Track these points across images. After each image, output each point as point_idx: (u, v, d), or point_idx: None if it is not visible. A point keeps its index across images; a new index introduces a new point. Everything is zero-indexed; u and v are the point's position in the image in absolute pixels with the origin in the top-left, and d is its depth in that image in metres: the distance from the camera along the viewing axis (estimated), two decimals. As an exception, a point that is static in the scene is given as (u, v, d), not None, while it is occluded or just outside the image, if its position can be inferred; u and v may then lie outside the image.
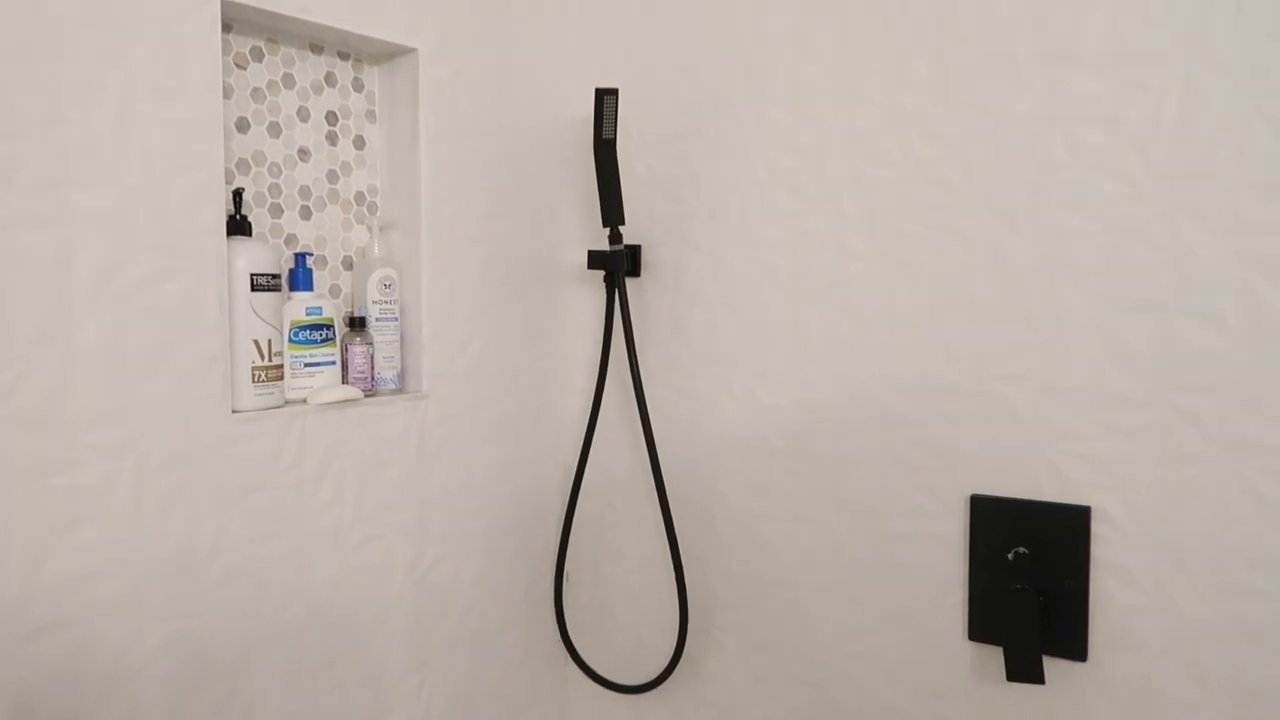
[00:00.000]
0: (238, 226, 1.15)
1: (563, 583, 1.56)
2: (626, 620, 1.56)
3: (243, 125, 1.21)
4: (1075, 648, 1.14)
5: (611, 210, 1.43)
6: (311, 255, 1.28)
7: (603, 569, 1.59)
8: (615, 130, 1.41)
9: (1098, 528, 1.14)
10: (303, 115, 1.28)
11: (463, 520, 1.42)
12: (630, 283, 1.52)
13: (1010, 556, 1.17)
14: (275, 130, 1.25)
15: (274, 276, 1.16)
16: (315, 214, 1.30)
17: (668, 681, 1.50)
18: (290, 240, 1.27)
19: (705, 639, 1.48)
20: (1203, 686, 1.09)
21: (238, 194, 1.17)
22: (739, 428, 1.43)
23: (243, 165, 1.21)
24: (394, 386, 1.34)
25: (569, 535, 1.54)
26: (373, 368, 1.31)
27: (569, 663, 1.63)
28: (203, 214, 1.07)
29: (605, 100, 1.39)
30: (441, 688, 1.40)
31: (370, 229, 1.35)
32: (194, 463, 1.07)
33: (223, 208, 1.09)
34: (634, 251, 1.51)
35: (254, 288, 1.14)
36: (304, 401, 1.22)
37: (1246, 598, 1.07)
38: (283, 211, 1.26)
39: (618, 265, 1.45)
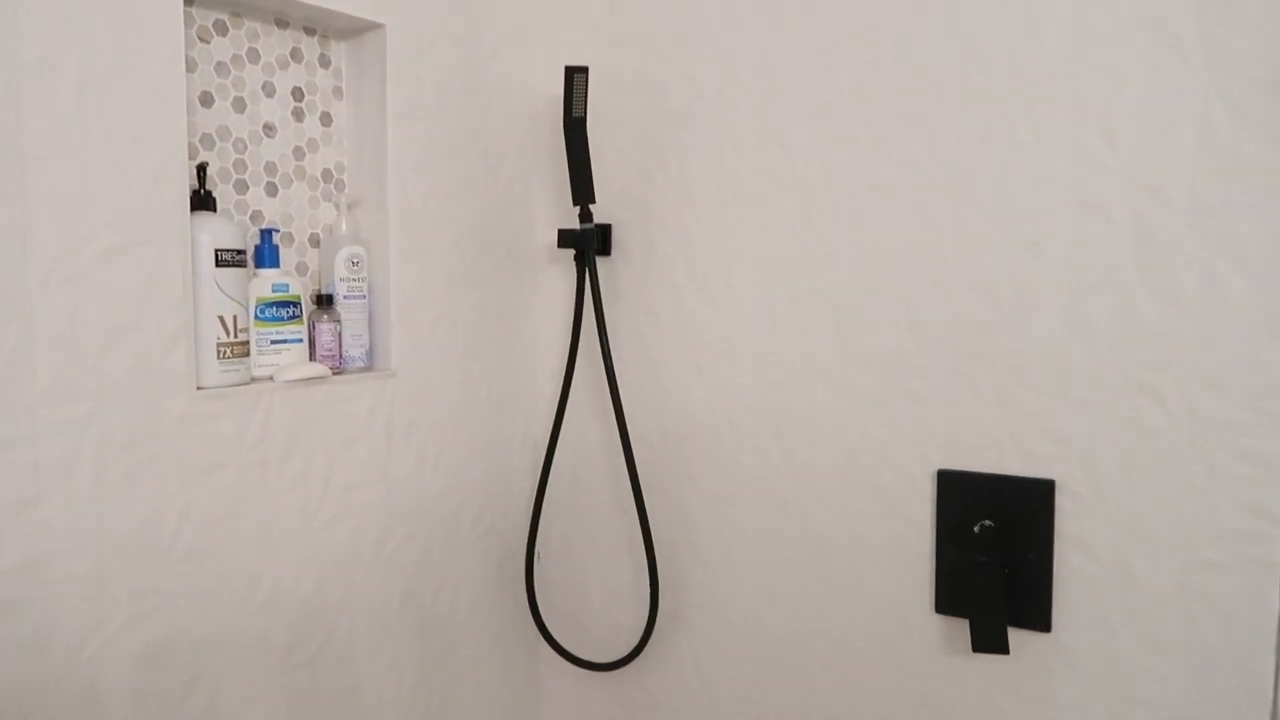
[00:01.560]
0: (202, 202, 1.14)
1: (534, 563, 1.56)
2: (598, 600, 1.57)
3: (206, 100, 1.19)
4: (1039, 619, 1.16)
5: (582, 189, 1.43)
6: (278, 232, 1.27)
7: (574, 549, 1.59)
8: (585, 108, 1.41)
9: (1061, 501, 1.16)
10: (268, 90, 1.26)
11: (432, 500, 1.42)
12: (601, 262, 1.52)
13: (976, 530, 1.19)
14: (240, 105, 1.23)
15: (239, 252, 1.15)
16: (281, 190, 1.28)
17: (638, 659, 1.51)
18: (256, 217, 1.26)
19: (675, 618, 1.48)
20: (1161, 656, 1.11)
21: (202, 169, 1.16)
22: (708, 408, 1.43)
23: (207, 140, 1.20)
24: (362, 365, 1.33)
25: (540, 516, 1.54)
26: (340, 346, 1.30)
27: (541, 641, 1.63)
28: (166, 189, 1.05)
29: (575, 78, 1.39)
30: (412, 666, 1.40)
31: (338, 206, 1.34)
32: (158, 440, 1.06)
33: (186, 183, 1.08)
34: (604, 231, 1.51)
35: (219, 263, 1.12)
36: (270, 379, 1.20)
37: (1203, 569, 1.09)
38: (248, 188, 1.25)
39: (588, 244, 1.44)
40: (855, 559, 1.31)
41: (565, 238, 1.47)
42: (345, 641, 1.29)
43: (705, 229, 1.42)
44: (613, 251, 1.51)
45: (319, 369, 1.24)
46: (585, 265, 1.46)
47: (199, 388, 1.11)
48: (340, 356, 1.30)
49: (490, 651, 1.53)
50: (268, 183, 1.27)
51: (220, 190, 1.21)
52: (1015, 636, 1.19)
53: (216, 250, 1.12)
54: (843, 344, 1.31)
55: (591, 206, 1.45)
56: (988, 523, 1.18)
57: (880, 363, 1.28)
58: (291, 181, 1.30)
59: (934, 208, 1.23)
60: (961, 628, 1.24)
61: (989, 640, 1.15)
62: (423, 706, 1.42)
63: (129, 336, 1.03)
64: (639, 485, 1.43)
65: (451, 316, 1.43)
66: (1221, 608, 1.08)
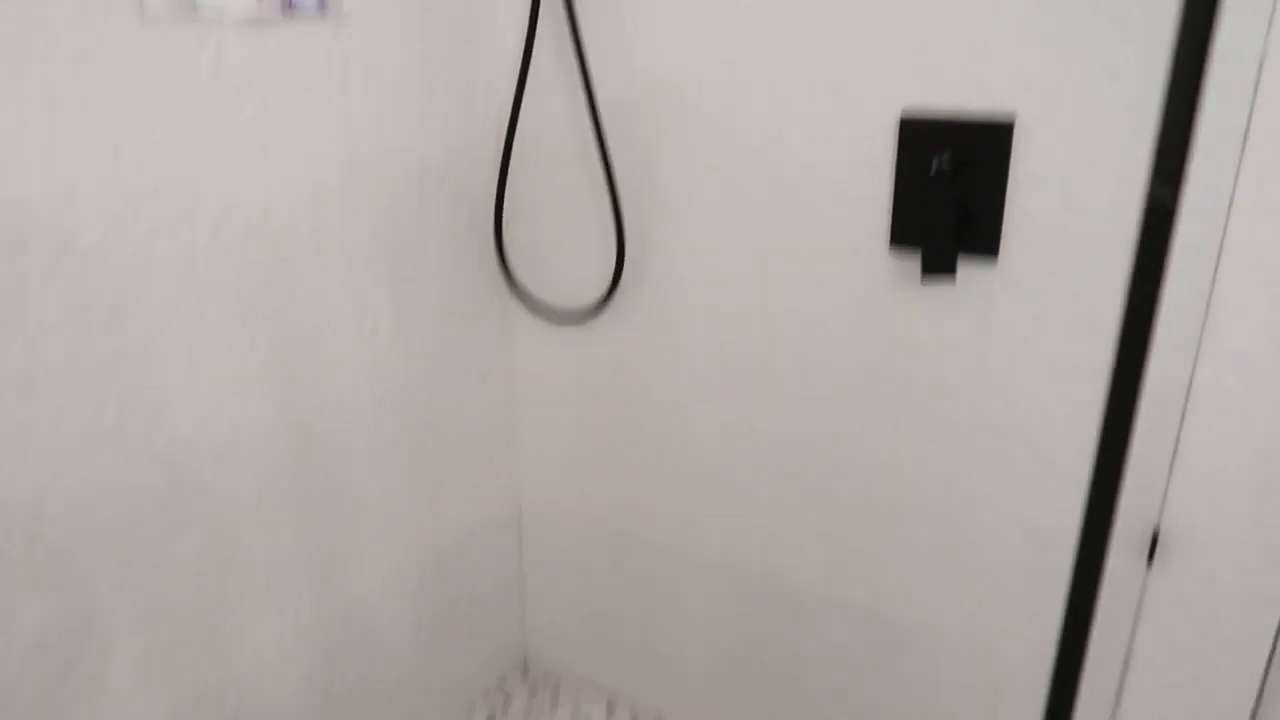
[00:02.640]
0: None
1: (502, 222, 1.58)
2: (565, 258, 1.61)
3: None
4: (987, 246, 1.21)
5: None
6: None
7: (541, 209, 1.61)
8: None
9: (1020, 136, 1.17)
10: None
11: (395, 155, 1.41)
12: (561, -98, 1.43)
13: (934, 164, 1.21)
14: None
15: None
16: None
17: (606, 310, 1.57)
18: None
19: (640, 273, 1.53)
20: (1101, 277, 1.17)
21: None
22: (675, 64, 1.40)
23: None
24: (314, 10, 1.27)
25: (507, 176, 1.54)
26: (288, -17, 1.24)
27: (511, 298, 1.69)
28: None
29: None
30: (387, 312, 1.45)
31: None
32: (107, 67, 1.03)
33: None
34: None
35: (146, -127, 1.04)
36: (219, 21, 1.16)
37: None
38: None
39: (546, -123, 1.35)
40: (816, 199, 1.34)
41: None
42: (320, 284, 1.33)
43: None
44: (574, -111, 1.42)
45: (268, 8, 1.19)
46: (544, -97, 1.37)
47: (143, 16, 1.07)
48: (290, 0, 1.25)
49: (463, 303, 1.59)
50: None
51: None
52: (963, 267, 1.24)
53: None
54: (812, -19, 1.26)
55: None
56: (945, 157, 1.20)
57: (848, 10, 1.24)
58: None
59: None
60: (914, 261, 1.29)
61: (938, 265, 1.20)
62: (401, 347, 1.49)
63: (59, -51, 0.98)
64: (605, 144, 1.43)
65: (404, -42, 1.36)
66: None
